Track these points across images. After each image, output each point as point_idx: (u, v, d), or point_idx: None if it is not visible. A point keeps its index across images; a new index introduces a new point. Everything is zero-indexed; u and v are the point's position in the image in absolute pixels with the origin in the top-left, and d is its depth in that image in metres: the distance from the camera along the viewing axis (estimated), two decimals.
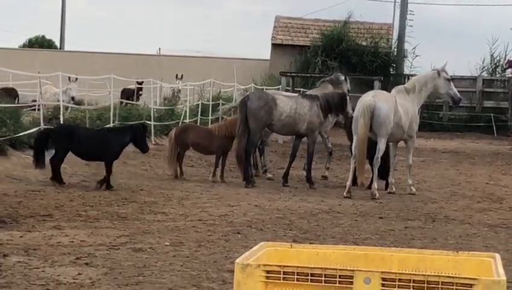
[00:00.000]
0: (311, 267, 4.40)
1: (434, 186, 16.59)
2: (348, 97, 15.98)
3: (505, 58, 40.38)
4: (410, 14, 42.89)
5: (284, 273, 4.37)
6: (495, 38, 40.54)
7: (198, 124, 23.73)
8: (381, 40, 39.99)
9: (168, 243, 9.15)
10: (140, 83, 29.92)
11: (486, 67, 40.58)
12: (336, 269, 4.38)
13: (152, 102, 25.05)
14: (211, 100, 28.32)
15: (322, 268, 4.39)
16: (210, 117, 26.69)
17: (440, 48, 67.79)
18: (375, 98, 14.44)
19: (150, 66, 39.96)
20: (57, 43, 54.76)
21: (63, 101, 20.45)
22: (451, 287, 4.17)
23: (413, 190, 15.07)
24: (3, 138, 15.42)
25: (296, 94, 17.26)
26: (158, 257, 8.40)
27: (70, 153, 14.13)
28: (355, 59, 38.35)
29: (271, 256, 4.92)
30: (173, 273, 7.66)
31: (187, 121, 24.34)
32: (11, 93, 24.79)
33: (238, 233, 10.04)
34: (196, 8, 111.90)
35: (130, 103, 26.28)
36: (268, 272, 4.38)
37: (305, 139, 16.08)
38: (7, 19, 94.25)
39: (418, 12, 79.92)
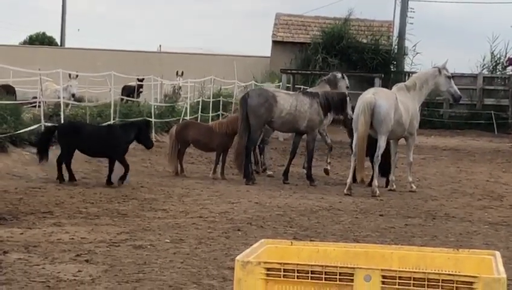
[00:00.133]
0: (312, 265, 4.40)
1: (434, 183, 16.59)
2: (348, 98, 15.96)
3: (506, 56, 40.38)
4: (411, 11, 42.90)
5: (285, 270, 4.37)
6: (495, 36, 40.58)
7: (198, 121, 23.73)
8: (382, 37, 39.96)
9: (168, 240, 9.15)
10: (141, 80, 29.91)
11: (486, 65, 40.62)
12: (336, 267, 4.38)
13: (153, 99, 25.05)
14: (211, 97, 28.32)
15: (322, 266, 4.38)
16: (210, 114, 26.69)
17: (440, 45, 67.75)
18: (376, 96, 14.44)
19: (151, 63, 39.97)
20: (58, 40, 54.78)
21: (63, 98, 20.46)
22: (452, 285, 4.17)
23: (414, 187, 15.07)
24: (3, 135, 15.42)
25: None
26: (158, 254, 8.40)
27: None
28: (355, 56, 38.34)
29: (271, 253, 4.92)
30: (173, 270, 7.67)
31: (187, 118, 24.34)
32: (8, 90, 24.76)
33: (239, 230, 10.04)
34: (197, 5, 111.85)
35: (131, 100, 26.28)
36: (268, 269, 4.38)
37: (305, 136, 16.08)
38: (8, 16, 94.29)
39: (419, 9, 79.78)
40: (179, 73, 30.23)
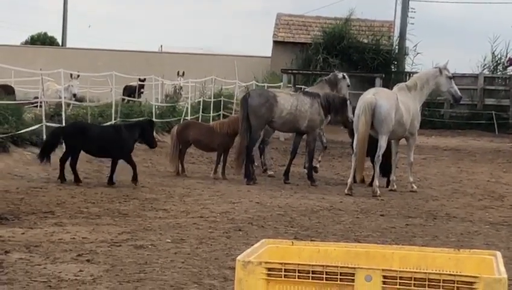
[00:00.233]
0: (313, 265, 4.41)
1: (435, 183, 16.59)
2: (348, 101, 15.95)
3: (506, 56, 40.36)
4: (412, 11, 42.88)
5: (286, 270, 4.37)
6: (496, 36, 40.56)
7: (199, 121, 23.74)
8: (383, 37, 39.94)
9: (169, 240, 9.15)
10: (143, 80, 29.93)
11: (487, 65, 40.59)
12: (337, 267, 4.38)
13: (154, 99, 25.06)
14: (212, 97, 28.33)
15: (323, 265, 4.39)
16: (211, 114, 26.69)
17: (441, 45, 67.75)
18: (376, 96, 14.44)
19: (152, 63, 39.98)
20: (59, 40, 54.78)
21: (64, 98, 20.47)
22: (453, 285, 4.17)
23: (415, 187, 15.07)
24: (5, 135, 15.43)
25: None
26: (159, 253, 8.40)
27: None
28: (356, 56, 38.33)
29: (272, 253, 4.92)
30: (174, 270, 7.67)
31: (188, 118, 24.35)
32: (7, 90, 24.78)
33: (240, 230, 10.05)
34: (198, 5, 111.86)
35: (132, 100, 26.28)
36: (269, 269, 4.38)
37: (305, 136, 16.07)
38: (9, 16, 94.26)
39: (420, 9, 79.61)
40: (180, 73, 30.23)
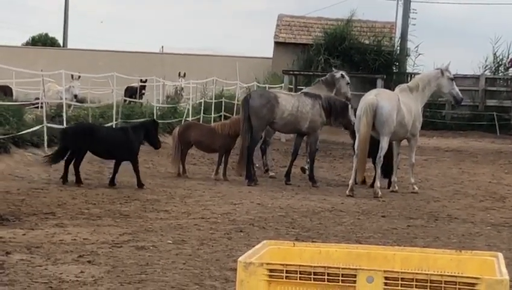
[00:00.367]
0: (314, 266, 4.40)
1: (437, 185, 16.59)
2: (350, 106, 15.91)
3: (508, 57, 40.34)
4: (413, 12, 42.90)
5: (287, 271, 4.36)
6: (498, 37, 40.54)
7: (201, 122, 23.74)
8: (384, 38, 39.93)
9: (170, 241, 9.15)
10: (144, 81, 29.94)
11: (489, 66, 40.53)
12: (339, 268, 4.37)
13: (155, 100, 25.07)
14: (213, 98, 28.33)
15: (324, 267, 4.38)
16: (213, 115, 26.69)
17: (443, 46, 67.77)
18: (378, 97, 14.43)
19: (153, 64, 39.99)
20: (60, 41, 54.82)
21: (65, 99, 20.47)
22: (454, 286, 4.16)
23: (416, 188, 15.06)
24: (6, 136, 15.43)
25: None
26: (161, 255, 8.40)
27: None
28: (358, 57, 38.31)
29: (274, 254, 4.91)
30: (176, 272, 7.67)
31: (190, 119, 24.35)
32: (5, 91, 24.80)
33: (241, 231, 10.04)
34: (199, 6, 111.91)
35: (133, 101, 26.29)
36: (271, 270, 4.37)
37: (305, 137, 16.07)
38: (10, 17, 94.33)
39: (421, 10, 79.83)
40: (181, 74, 30.24)
